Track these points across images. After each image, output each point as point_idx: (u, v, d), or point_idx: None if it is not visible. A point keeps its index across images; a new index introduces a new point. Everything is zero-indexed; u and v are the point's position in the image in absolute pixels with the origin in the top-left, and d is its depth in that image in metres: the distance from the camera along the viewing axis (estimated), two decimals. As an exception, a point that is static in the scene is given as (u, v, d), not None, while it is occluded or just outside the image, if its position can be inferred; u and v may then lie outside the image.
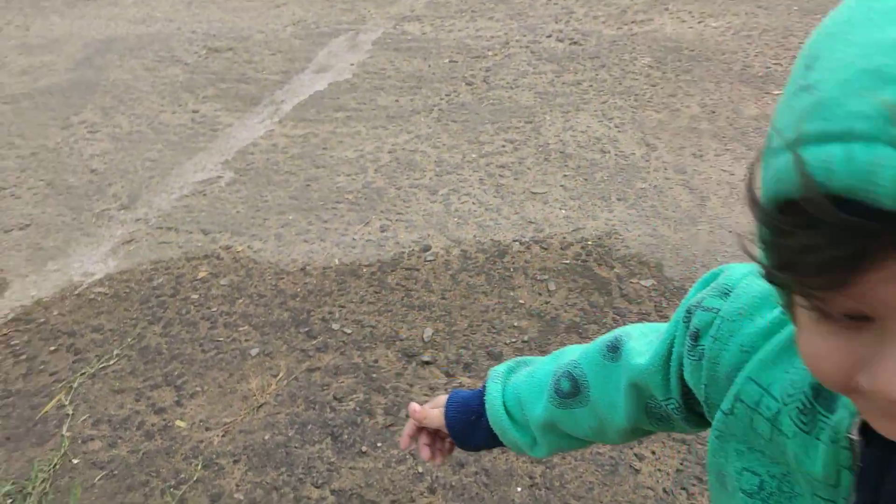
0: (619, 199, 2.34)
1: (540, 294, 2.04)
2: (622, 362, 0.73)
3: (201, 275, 2.39)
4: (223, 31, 4.14)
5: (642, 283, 2.01)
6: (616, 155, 2.56)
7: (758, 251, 0.40)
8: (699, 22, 3.29)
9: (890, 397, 0.38)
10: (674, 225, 2.19)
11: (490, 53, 3.42)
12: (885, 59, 0.33)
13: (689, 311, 0.63)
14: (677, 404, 0.68)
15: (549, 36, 3.46)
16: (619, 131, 2.68)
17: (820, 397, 0.50)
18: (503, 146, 2.74)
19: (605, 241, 2.19)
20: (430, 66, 3.42)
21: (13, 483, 1.78)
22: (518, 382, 0.84)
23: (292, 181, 2.77)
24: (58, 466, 1.80)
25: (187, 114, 3.34)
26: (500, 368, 0.87)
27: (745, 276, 0.61)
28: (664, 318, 1.87)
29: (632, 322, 1.89)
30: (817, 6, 3.22)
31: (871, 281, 0.35)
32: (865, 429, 0.47)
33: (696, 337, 0.61)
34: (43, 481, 1.76)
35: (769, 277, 0.40)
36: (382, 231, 2.43)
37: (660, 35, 3.25)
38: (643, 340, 0.73)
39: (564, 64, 3.20)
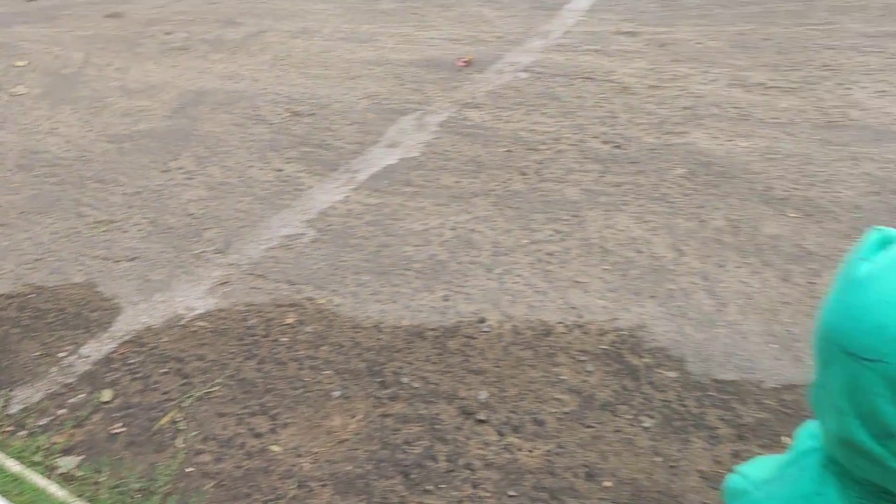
0: (650, 297, 2.75)
1: (579, 373, 2.44)
2: None
3: (289, 321, 2.81)
4: (304, 97, 4.64)
5: (667, 374, 2.41)
6: (649, 256, 2.98)
7: None
8: (729, 140, 3.74)
9: None
10: (696, 326, 2.60)
11: (542, 147, 3.87)
12: None
13: None
14: None
15: (596, 137, 3.92)
16: (654, 234, 3.10)
17: None
18: (551, 235, 3.17)
19: (637, 332, 2.59)
20: (488, 152, 3.87)
21: (140, 481, 2.17)
22: None
23: (366, 245, 3.20)
24: (176, 472, 2.20)
25: (273, 171, 3.81)
26: None
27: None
28: (683, 406, 2.27)
29: (657, 406, 2.29)
30: (836, 137, 3.66)
31: None
32: None
33: None
34: (165, 483, 2.16)
35: None
36: (445, 300, 2.85)
37: (694, 148, 3.70)
38: None
39: (608, 165, 3.65)
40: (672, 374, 2.39)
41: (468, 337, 2.66)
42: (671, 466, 2.09)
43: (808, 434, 0.88)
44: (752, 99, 4.12)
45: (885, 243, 0.73)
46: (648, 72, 4.64)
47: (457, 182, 3.64)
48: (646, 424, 2.23)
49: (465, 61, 5.04)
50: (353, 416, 2.37)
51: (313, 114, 4.40)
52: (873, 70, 4.26)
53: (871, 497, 0.79)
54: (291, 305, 2.88)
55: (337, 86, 4.79)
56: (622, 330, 2.61)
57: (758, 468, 0.91)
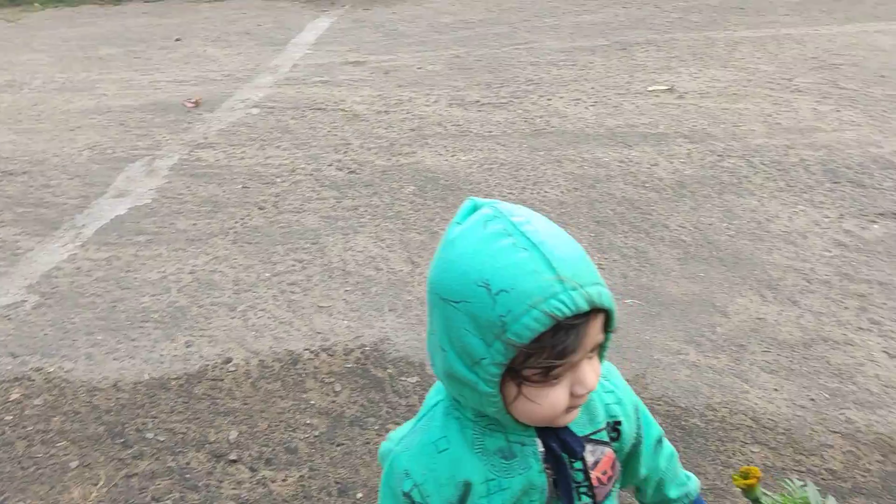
0: (390, 310, 2.89)
1: (328, 395, 2.50)
2: None
3: (14, 397, 2.58)
4: (16, 154, 4.29)
5: (409, 380, 2.54)
6: (388, 272, 3.12)
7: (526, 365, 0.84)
8: (452, 156, 4.02)
9: (588, 387, 0.88)
10: (433, 330, 2.76)
11: (279, 180, 3.91)
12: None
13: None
14: None
15: (330, 165, 4.03)
16: (390, 251, 3.26)
17: (514, 458, 0.96)
18: (293, 265, 3.21)
19: (380, 346, 2.70)
20: (224, 191, 3.84)
21: None
22: None
23: (99, 303, 3.03)
24: None
25: (-17, 238, 3.48)
26: None
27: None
28: (425, 407, 2.40)
29: (402, 412, 2.40)
30: (542, 144, 4.07)
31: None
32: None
33: None
34: None
35: (538, 375, 0.85)
36: (188, 346, 2.78)
37: (421, 166, 3.93)
38: None
39: (344, 190, 3.77)
40: (413, 380, 2.53)
41: (215, 380, 2.62)
42: (417, 466, 2.20)
43: (435, 391, 1.04)
44: (470, 116, 4.46)
45: (474, 210, 0.90)
46: (376, 98, 4.85)
47: (193, 224, 3.57)
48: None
49: (193, 102, 4.95)
50: (95, 484, 2.23)
51: (27, 171, 4.09)
52: (568, 81, 4.80)
53: (484, 431, 0.96)
54: (15, 380, 2.66)
55: (54, 139, 4.48)
56: (366, 346, 2.71)
57: (400, 429, 1.05)
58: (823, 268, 2.93)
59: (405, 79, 5.14)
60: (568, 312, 0.81)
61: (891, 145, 3.79)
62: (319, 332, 2.80)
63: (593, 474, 0.99)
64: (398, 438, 1.02)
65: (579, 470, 0.98)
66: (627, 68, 4.94)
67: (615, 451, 1.04)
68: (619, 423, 1.04)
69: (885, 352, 2.51)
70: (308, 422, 2.40)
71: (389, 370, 2.59)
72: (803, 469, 2.11)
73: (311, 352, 2.70)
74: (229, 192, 3.84)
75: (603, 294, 0.84)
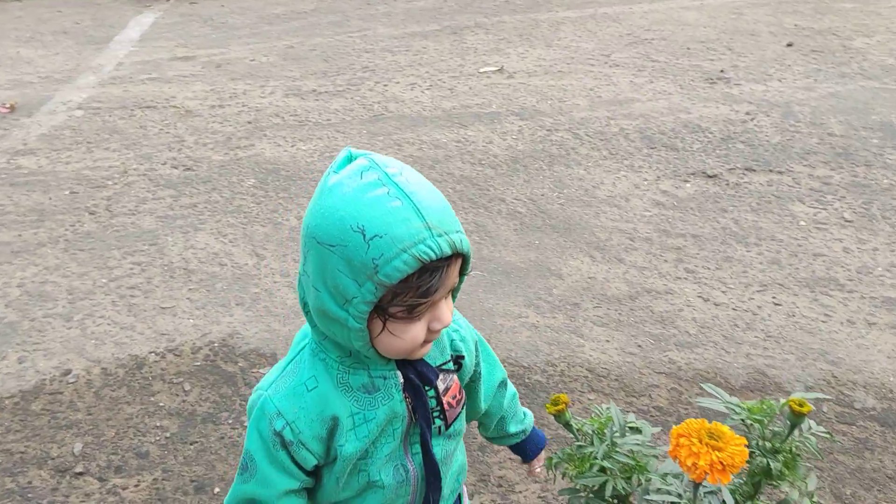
0: (237, 304, 2.85)
1: (177, 395, 2.45)
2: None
3: None
4: None
5: (261, 371, 2.53)
6: (232, 266, 3.08)
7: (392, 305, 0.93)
8: (292, 146, 4.00)
9: (444, 323, 0.99)
10: (283, 320, 2.76)
11: (110, 183, 3.74)
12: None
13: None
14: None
15: (165, 163, 3.90)
16: (233, 245, 3.21)
17: (378, 391, 1.06)
18: (131, 269, 3.10)
19: (229, 341, 2.67)
20: (50, 198, 3.63)
21: None
22: None
23: (-87, 328, 2.80)
24: None
25: None
26: None
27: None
28: (278, 395, 2.40)
29: (256, 403, 2.39)
30: (381, 129, 4.13)
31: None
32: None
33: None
34: None
35: (402, 312, 0.94)
36: (21, 363, 2.63)
37: (261, 159, 3.89)
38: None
39: (181, 188, 3.66)
40: (266, 370, 2.52)
41: (54, 393, 2.49)
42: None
43: (300, 336, 1.11)
44: (307, 105, 4.44)
45: (350, 160, 0.96)
46: (209, 93, 4.73)
47: (18, 236, 3.35)
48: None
49: (7, 107, 4.62)
50: (-76, 518, 2.08)
51: None
52: (403, 66, 4.88)
53: (348, 371, 1.05)
54: None
55: None
56: (214, 342, 2.67)
57: (267, 377, 1.11)
58: (644, 226, 3.17)
59: (238, 71, 5.03)
60: (434, 256, 0.91)
61: (698, 111, 4.15)
62: (164, 334, 2.72)
63: (444, 399, 1.13)
64: (267, 385, 1.07)
65: (433, 397, 1.11)
66: (459, 51, 5.09)
67: (460, 381, 1.18)
68: (461, 356, 1.17)
69: (699, 297, 2.77)
70: (158, 424, 2.34)
71: (240, 363, 2.57)
72: (635, 409, 2.30)
73: (157, 354, 2.63)
74: (56, 198, 3.63)
75: (463, 241, 0.96)
